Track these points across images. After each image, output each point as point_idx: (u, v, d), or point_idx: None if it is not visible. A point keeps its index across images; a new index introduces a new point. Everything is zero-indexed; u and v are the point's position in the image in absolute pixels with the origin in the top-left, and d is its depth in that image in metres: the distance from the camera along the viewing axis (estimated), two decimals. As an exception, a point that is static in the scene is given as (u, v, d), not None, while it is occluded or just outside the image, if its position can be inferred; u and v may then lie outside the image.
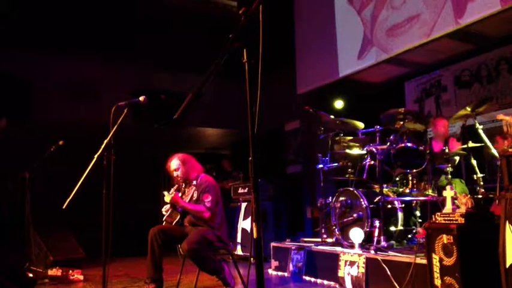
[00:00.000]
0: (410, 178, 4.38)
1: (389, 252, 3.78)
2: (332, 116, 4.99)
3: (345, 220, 4.37)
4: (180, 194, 4.15)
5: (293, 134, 8.44)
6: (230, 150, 10.23)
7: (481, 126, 4.09)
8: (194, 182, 4.11)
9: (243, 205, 6.39)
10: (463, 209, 2.94)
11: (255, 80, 1.90)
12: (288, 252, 4.81)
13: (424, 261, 3.12)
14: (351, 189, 4.46)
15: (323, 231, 4.93)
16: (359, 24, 6.27)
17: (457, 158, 4.71)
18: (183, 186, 4.22)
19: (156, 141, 8.61)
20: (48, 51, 6.97)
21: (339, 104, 7.39)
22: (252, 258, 1.91)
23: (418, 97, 6.65)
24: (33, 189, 5.50)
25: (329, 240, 4.82)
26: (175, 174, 4.12)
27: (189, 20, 7.64)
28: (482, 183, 4.09)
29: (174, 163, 4.13)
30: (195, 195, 4.03)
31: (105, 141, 3.37)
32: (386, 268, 3.54)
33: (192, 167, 4.14)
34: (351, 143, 4.94)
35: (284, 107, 8.16)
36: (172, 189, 4.22)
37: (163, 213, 4.15)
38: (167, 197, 4.00)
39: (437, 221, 3.01)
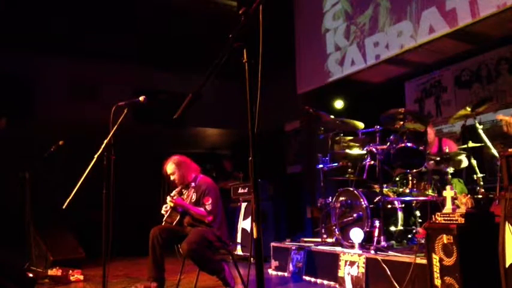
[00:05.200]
0: (410, 178, 4.38)
1: (389, 252, 3.78)
2: (332, 116, 4.99)
3: (345, 220, 4.37)
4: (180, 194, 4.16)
5: (293, 134, 8.44)
6: (230, 150, 10.23)
7: (481, 126, 4.09)
8: (192, 184, 4.11)
9: (243, 205, 6.39)
10: (463, 209, 2.94)
11: (255, 80, 1.90)
12: (288, 252, 4.81)
13: (424, 261, 3.12)
14: (351, 189, 4.46)
15: (323, 231, 4.92)
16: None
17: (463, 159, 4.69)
18: (183, 187, 4.22)
19: (156, 141, 8.61)
20: (49, 51, 6.97)
21: (339, 104, 7.39)
22: (252, 258, 1.91)
23: (418, 97, 6.65)
24: (33, 189, 5.51)
25: (329, 240, 4.82)
26: (171, 178, 4.13)
27: (189, 20, 7.64)
28: (482, 183, 4.09)
29: (170, 168, 4.11)
30: (194, 197, 4.02)
31: (105, 141, 3.37)
32: (386, 268, 3.54)
33: (188, 169, 4.12)
34: (351, 143, 4.94)
35: (284, 107, 8.15)
36: (174, 192, 4.23)
37: (163, 213, 4.15)
38: (170, 202, 4.00)
39: (437, 221, 3.01)
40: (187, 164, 4.15)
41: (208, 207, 3.89)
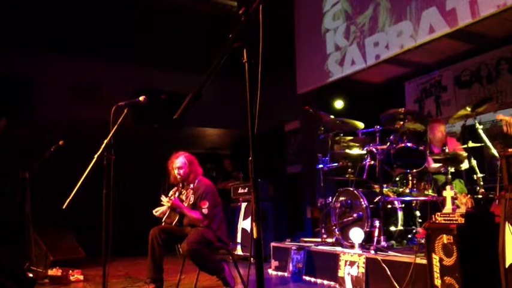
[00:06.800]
0: (410, 178, 4.38)
1: (389, 252, 3.78)
2: (332, 116, 4.99)
3: (345, 220, 4.38)
4: (177, 194, 4.16)
5: (293, 134, 8.44)
6: (230, 150, 10.23)
7: (481, 126, 4.09)
8: (191, 185, 4.10)
9: (243, 205, 6.39)
10: (463, 209, 2.94)
11: (255, 80, 1.90)
12: (288, 252, 4.81)
13: (424, 261, 3.12)
14: (351, 189, 4.46)
15: (323, 231, 4.93)
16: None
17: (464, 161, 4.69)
18: (181, 187, 4.22)
19: (156, 141, 8.61)
20: (49, 51, 6.97)
21: (339, 104, 7.39)
22: (252, 258, 1.91)
23: (418, 97, 6.65)
24: (33, 189, 5.51)
25: (329, 240, 4.82)
26: (177, 172, 4.10)
27: (189, 20, 7.65)
28: (482, 183, 4.09)
29: (180, 161, 4.10)
30: (192, 199, 4.02)
31: (105, 141, 3.37)
32: (386, 268, 3.54)
33: (195, 170, 4.13)
34: (351, 143, 4.95)
35: (284, 107, 8.15)
36: (171, 192, 4.22)
37: (154, 213, 4.11)
38: (167, 203, 3.98)
39: (437, 221, 3.01)
40: (195, 165, 4.15)
41: (205, 211, 3.89)
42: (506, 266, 2.59)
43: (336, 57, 6.68)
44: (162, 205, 4.07)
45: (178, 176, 4.09)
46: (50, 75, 7.10)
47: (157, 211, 4.10)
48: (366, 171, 4.51)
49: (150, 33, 7.40)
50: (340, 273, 4.01)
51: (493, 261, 2.67)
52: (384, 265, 3.57)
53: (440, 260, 2.92)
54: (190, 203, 4.01)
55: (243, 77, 1.89)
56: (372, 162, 4.49)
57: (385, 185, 4.34)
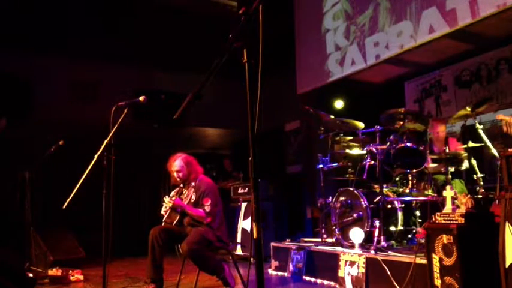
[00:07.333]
0: (410, 178, 4.38)
1: (389, 252, 3.79)
2: (332, 116, 4.99)
3: (345, 220, 4.38)
4: (178, 195, 4.16)
5: (293, 134, 8.44)
6: (230, 150, 10.23)
7: (481, 126, 4.09)
8: (193, 184, 4.11)
9: (243, 205, 6.39)
10: (463, 209, 2.94)
11: (255, 80, 1.90)
12: (288, 252, 4.81)
13: (424, 261, 3.13)
14: (351, 189, 4.46)
15: (323, 231, 4.93)
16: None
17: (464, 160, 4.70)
18: (182, 186, 4.22)
19: (156, 141, 8.61)
20: (49, 51, 6.97)
21: (339, 104, 7.39)
22: (252, 258, 1.91)
23: (418, 97, 6.65)
24: (33, 189, 5.51)
25: (329, 240, 4.82)
26: (176, 175, 4.12)
27: (189, 20, 7.64)
28: (482, 183, 4.09)
29: (177, 164, 4.11)
30: (194, 197, 4.03)
31: (105, 141, 3.37)
32: (386, 268, 3.54)
33: (194, 170, 4.14)
34: (351, 143, 4.95)
35: (284, 107, 8.15)
36: (173, 193, 4.23)
37: (162, 213, 4.14)
38: (168, 203, 3.99)
39: (437, 221, 3.01)
40: (194, 165, 4.17)
41: (207, 209, 3.90)
42: (506, 266, 2.59)
43: (336, 57, 6.68)
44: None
45: (178, 179, 4.12)
46: (50, 75, 7.09)
47: (165, 211, 4.12)
48: (366, 171, 4.51)
49: (150, 33, 7.39)
50: (340, 273, 4.01)
51: (493, 261, 2.67)
52: (383, 265, 3.57)
53: (440, 260, 2.92)
54: (192, 201, 4.02)
55: (243, 77, 1.89)
56: (372, 162, 4.49)
57: (385, 185, 4.34)
